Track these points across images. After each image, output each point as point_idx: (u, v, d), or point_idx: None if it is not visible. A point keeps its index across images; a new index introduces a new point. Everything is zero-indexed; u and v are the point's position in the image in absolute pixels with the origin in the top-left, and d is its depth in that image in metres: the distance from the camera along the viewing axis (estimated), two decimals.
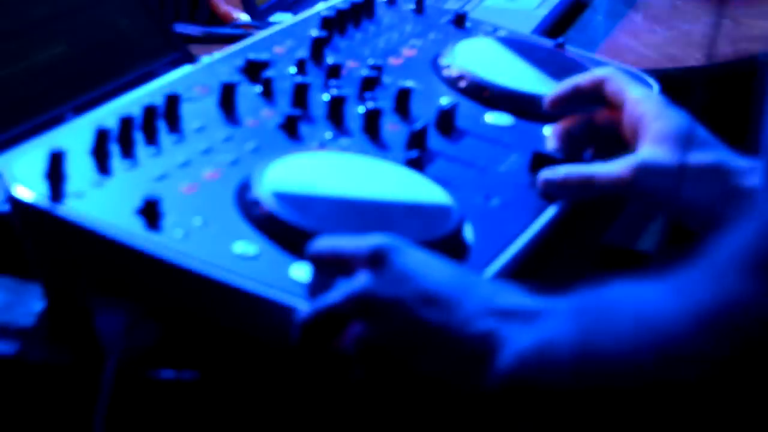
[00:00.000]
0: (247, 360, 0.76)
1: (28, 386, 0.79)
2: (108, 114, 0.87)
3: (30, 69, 1.03)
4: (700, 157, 0.87)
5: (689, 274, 0.59)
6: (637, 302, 0.61)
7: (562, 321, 0.64)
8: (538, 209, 0.88)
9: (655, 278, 0.62)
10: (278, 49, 1.03)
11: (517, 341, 0.65)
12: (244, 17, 1.42)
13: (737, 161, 0.88)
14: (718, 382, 0.57)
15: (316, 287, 0.73)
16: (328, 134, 0.91)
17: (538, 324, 0.65)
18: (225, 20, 1.44)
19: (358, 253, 0.71)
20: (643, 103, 0.92)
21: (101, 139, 0.82)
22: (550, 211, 0.88)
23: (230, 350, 0.77)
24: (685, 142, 0.87)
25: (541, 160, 0.92)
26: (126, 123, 0.84)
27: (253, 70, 0.97)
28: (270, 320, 0.73)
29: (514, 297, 0.68)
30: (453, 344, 0.67)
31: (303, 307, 0.72)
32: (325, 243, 0.74)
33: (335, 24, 1.08)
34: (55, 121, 1.02)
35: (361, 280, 0.70)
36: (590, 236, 1.03)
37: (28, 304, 0.83)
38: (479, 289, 0.69)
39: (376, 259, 0.70)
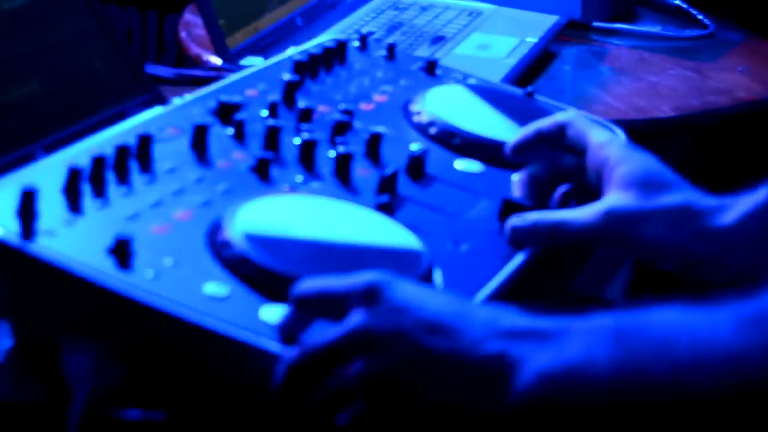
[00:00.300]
0: (217, 401, 0.76)
1: None
2: (80, 153, 0.87)
3: (2, 106, 1.03)
4: (667, 199, 0.88)
5: (755, 305, 0.60)
6: (693, 330, 0.63)
7: (596, 341, 0.65)
8: (507, 256, 0.89)
9: (704, 307, 0.63)
10: (250, 92, 1.04)
11: (537, 360, 0.65)
12: (214, 60, 1.43)
13: (705, 200, 0.88)
14: None
15: (287, 329, 0.73)
16: (299, 177, 0.92)
17: (559, 343, 0.66)
18: (196, 63, 1.45)
19: (351, 291, 0.70)
20: (606, 147, 0.92)
21: (73, 177, 0.83)
22: (519, 258, 0.89)
23: (200, 391, 0.76)
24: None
25: (510, 207, 0.92)
26: (98, 162, 0.84)
27: (226, 112, 0.97)
28: (240, 361, 0.73)
29: (518, 318, 0.69)
30: (464, 369, 0.66)
31: (274, 348, 0.72)
32: (311, 284, 0.73)
33: (307, 68, 1.09)
34: (26, 159, 1.02)
35: (357, 317, 0.69)
36: (559, 283, 1.03)
37: None
38: (479, 313, 0.69)
39: (370, 295, 0.70)
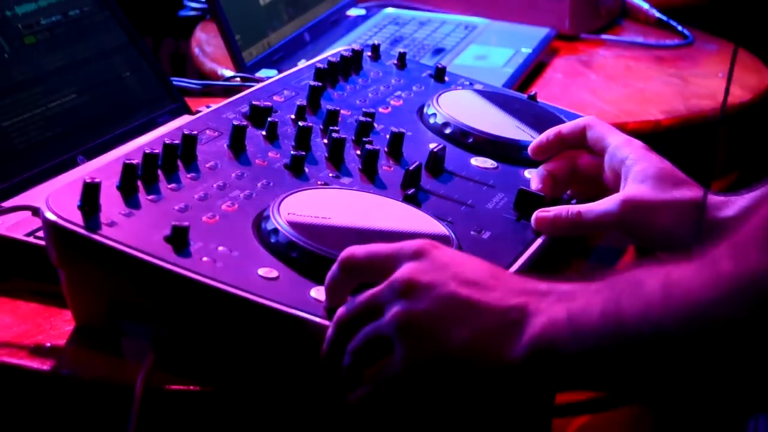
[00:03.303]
0: (267, 376, 0.83)
1: (60, 400, 0.86)
2: (132, 153, 0.94)
3: (44, 116, 1.10)
4: (679, 193, 0.97)
5: (713, 250, 0.68)
6: (666, 275, 0.70)
7: (593, 293, 0.73)
8: (525, 241, 0.96)
9: (681, 259, 0.71)
10: (277, 98, 1.11)
11: (550, 311, 0.74)
12: (228, 73, 1.50)
13: (712, 197, 0.97)
14: (736, 341, 0.66)
15: (330, 293, 0.81)
16: (331, 173, 0.99)
17: (571, 298, 0.74)
18: (212, 77, 1.52)
19: (401, 250, 0.79)
20: (625, 147, 1.01)
21: (129, 174, 0.89)
22: (536, 243, 0.97)
23: (250, 367, 0.83)
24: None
25: (525, 198, 1.00)
26: (150, 159, 0.91)
27: (258, 115, 1.05)
28: (293, 336, 0.80)
29: (542, 282, 0.77)
30: (489, 315, 0.75)
31: (325, 322, 0.79)
32: (360, 248, 0.81)
33: (328, 76, 1.17)
34: (69, 164, 1.09)
35: (405, 267, 0.78)
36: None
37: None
38: (510, 276, 0.79)
39: (418, 254, 0.78)
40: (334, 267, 0.81)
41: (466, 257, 0.81)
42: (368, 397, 0.78)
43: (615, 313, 0.71)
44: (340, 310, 0.80)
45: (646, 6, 1.98)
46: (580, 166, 1.05)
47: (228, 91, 1.34)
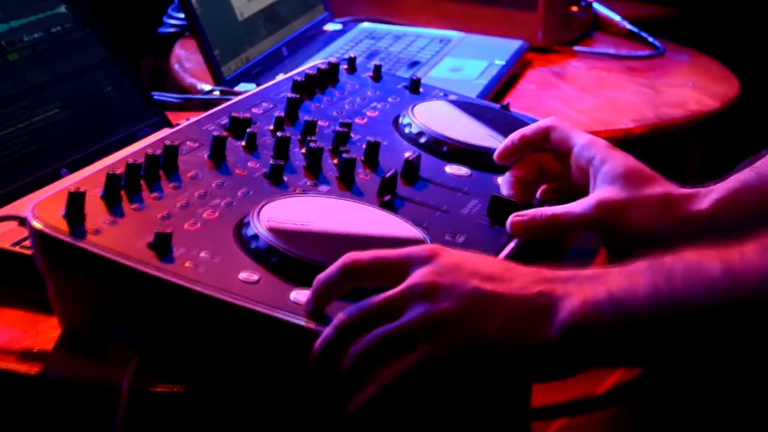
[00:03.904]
0: (248, 378, 0.86)
1: (48, 403, 0.88)
2: (115, 164, 0.96)
3: (28, 130, 1.13)
4: (649, 190, 0.99)
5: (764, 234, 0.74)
6: (725, 258, 0.75)
7: (634, 275, 0.77)
8: (499, 245, 0.99)
9: (726, 242, 0.76)
10: (255, 110, 1.14)
11: (580, 293, 0.77)
12: (207, 87, 1.53)
13: (681, 190, 0.99)
14: None
15: (322, 296, 0.83)
16: (308, 182, 1.02)
17: (600, 280, 0.78)
18: (191, 91, 1.55)
19: (412, 254, 0.82)
20: (590, 147, 1.03)
21: (112, 184, 0.92)
22: (510, 245, 0.99)
23: (232, 369, 0.86)
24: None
25: (498, 204, 1.03)
26: (133, 170, 0.94)
27: (237, 126, 1.08)
28: (274, 338, 0.83)
29: (558, 269, 0.80)
30: (516, 305, 0.78)
31: (306, 324, 0.82)
32: (364, 253, 0.83)
33: (305, 88, 1.20)
34: (53, 176, 1.12)
35: (422, 271, 0.80)
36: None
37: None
38: (522, 267, 0.82)
39: (430, 257, 0.81)
40: (332, 270, 0.83)
41: (476, 255, 0.84)
42: (373, 399, 0.79)
43: (668, 293, 0.75)
44: (343, 314, 0.81)
45: (617, 18, 2.02)
46: (546, 167, 1.08)
47: (207, 104, 1.37)
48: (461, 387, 0.79)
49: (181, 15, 1.88)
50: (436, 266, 0.81)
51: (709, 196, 0.98)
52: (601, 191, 1.00)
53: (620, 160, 1.01)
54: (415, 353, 0.78)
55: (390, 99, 1.24)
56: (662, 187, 1.00)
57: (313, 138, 1.07)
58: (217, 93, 1.45)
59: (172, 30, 1.91)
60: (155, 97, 1.30)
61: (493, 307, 0.78)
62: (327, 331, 0.81)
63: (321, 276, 0.83)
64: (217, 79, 1.45)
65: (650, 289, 0.76)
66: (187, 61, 1.73)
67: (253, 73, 1.53)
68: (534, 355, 0.78)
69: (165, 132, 1.22)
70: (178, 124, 1.18)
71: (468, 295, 0.79)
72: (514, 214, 1.01)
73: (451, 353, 0.78)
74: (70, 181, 0.94)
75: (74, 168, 1.14)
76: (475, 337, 0.78)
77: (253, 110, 1.14)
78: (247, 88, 1.45)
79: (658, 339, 0.77)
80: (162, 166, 0.98)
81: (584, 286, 0.78)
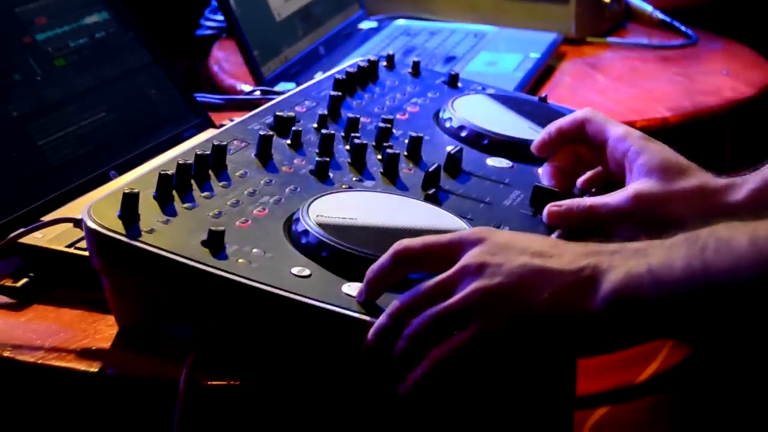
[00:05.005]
0: (301, 371, 0.87)
1: (107, 399, 0.90)
2: (166, 164, 0.98)
3: (76, 134, 1.15)
4: (685, 182, 1.00)
5: None
6: (753, 232, 0.77)
7: (673, 249, 0.79)
8: (542, 234, 1.01)
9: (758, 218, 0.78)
10: (299, 108, 1.16)
11: (625, 266, 0.79)
12: (246, 88, 1.55)
13: (717, 181, 1.00)
14: None
15: (375, 286, 0.85)
16: (354, 177, 1.04)
17: (643, 254, 0.80)
18: (231, 92, 1.57)
19: (462, 238, 0.84)
20: (625, 139, 1.04)
21: (164, 184, 0.94)
22: (553, 235, 1.01)
23: (285, 362, 0.88)
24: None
25: (541, 194, 1.04)
26: (183, 169, 0.96)
27: (282, 125, 1.10)
28: (327, 330, 0.85)
29: (605, 243, 0.82)
30: (562, 277, 0.80)
31: (360, 316, 0.84)
32: (416, 240, 0.85)
33: (346, 85, 1.21)
34: (101, 179, 1.14)
35: (473, 252, 0.83)
36: None
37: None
38: (569, 243, 0.84)
39: (480, 239, 0.84)
40: (384, 259, 0.85)
41: (524, 234, 0.87)
42: (427, 376, 0.81)
43: (701, 266, 0.77)
44: (398, 301, 0.83)
45: (649, 8, 2.03)
46: (584, 158, 1.09)
47: (249, 105, 1.39)
48: (512, 361, 0.81)
49: (219, 17, 1.91)
50: (487, 246, 0.83)
51: (744, 186, 0.99)
52: (638, 184, 1.01)
53: (655, 152, 1.02)
54: (468, 329, 0.80)
55: (429, 94, 1.26)
56: (698, 178, 1.01)
57: (357, 134, 1.09)
58: (258, 93, 1.47)
59: (209, 32, 1.94)
60: (198, 98, 1.32)
61: (542, 281, 0.80)
62: (381, 318, 0.83)
63: (374, 266, 0.85)
64: (258, 79, 1.47)
65: (685, 263, 0.78)
66: (225, 62, 1.75)
67: (292, 73, 1.55)
68: (580, 326, 0.80)
69: (210, 133, 1.25)
70: (222, 125, 1.20)
71: (518, 270, 0.81)
72: (551, 203, 1.02)
73: (503, 327, 0.80)
74: (119, 183, 0.97)
75: (122, 170, 1.16)
76: (526, 310, 0.80)
77: (297, 109, 1.16)
78: (287, 88, 1.47)
79: (693, 312, 0.78)
80: (211, 166, 1.00)
81: (628, 259, 0.80)
